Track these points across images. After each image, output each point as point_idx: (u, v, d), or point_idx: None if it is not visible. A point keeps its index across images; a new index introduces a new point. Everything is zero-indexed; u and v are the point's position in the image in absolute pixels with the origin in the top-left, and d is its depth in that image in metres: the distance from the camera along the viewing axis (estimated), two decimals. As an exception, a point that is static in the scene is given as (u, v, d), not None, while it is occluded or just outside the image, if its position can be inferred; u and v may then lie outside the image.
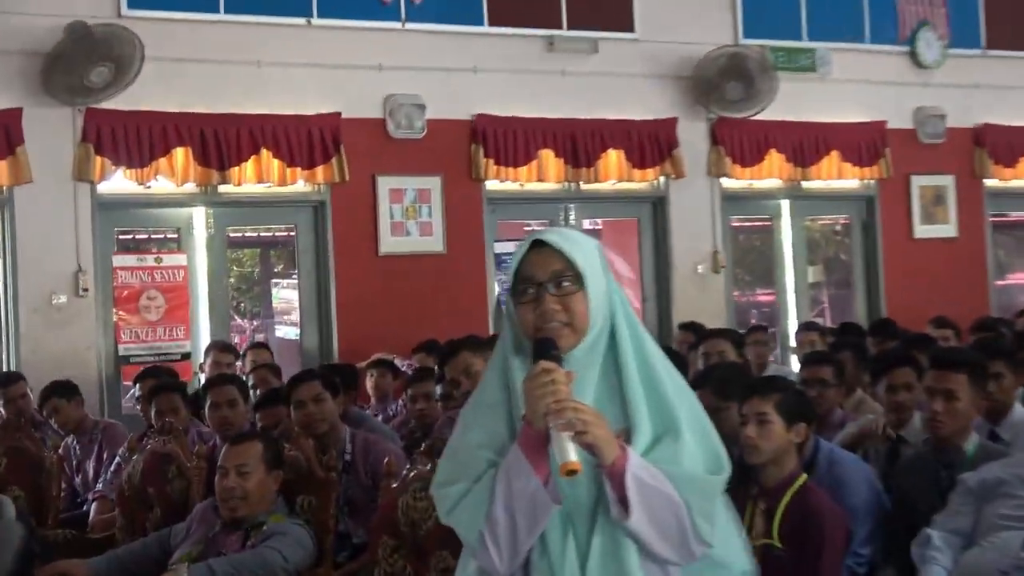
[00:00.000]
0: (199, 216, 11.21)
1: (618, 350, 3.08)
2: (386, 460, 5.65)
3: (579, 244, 3.10)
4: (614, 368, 3.09)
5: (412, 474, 5.19)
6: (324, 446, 6.72)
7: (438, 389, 7.57)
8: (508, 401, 3.09)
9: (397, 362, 10.18)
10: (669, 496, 2.94)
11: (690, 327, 10.94)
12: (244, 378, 8.96)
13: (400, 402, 9.24)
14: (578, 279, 3.04)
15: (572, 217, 12.65)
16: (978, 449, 5.34)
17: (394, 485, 5.30)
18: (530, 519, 2.96)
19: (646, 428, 3.02)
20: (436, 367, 8.17)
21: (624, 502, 2.92)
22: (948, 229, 14.49)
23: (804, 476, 4.94)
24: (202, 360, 10.45)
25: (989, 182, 14.78)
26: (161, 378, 8.69)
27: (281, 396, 7.30)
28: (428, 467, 5.10)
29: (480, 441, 3.09)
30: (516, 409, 3.05)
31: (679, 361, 6.85)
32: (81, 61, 10.02)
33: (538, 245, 3.09)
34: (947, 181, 14.48)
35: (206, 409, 7.47)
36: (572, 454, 2.84)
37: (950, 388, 5.32)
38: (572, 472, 2.83)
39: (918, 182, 14.32)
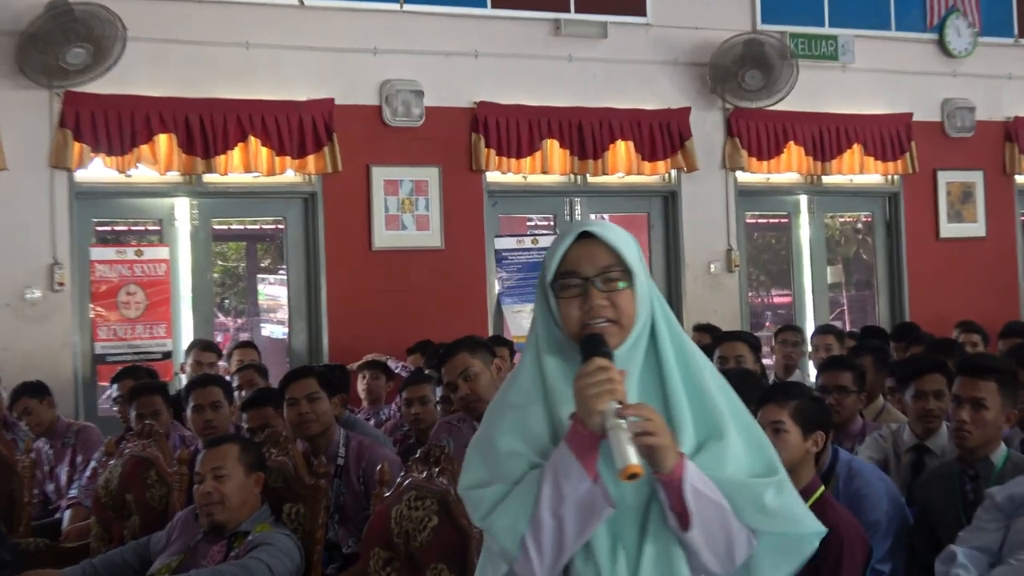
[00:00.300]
0: (182, 207, 11.21)
1: (659, 349, 3.10)
2: (379, 467, 5.65)
3: (624, 238, 3.11)
4: (656, 368, 3.10)
5: (407, 482, 5.19)
6: (316, 448, 6.73)
7: (438, 392, 7.57)
8: (544, 401, 3.09)
9: (391, 364, 10.19)
10: (721, 506, 2.97)
11: (706, 328, 10.94)
12: (229, 379, 8.98)
13: (393, 406, 9.25)
14: (626, 275, 3.06)
15: (578, 211, 12.65)
16: (1007, 461, 5.35)
17: (387, 494, 5.30)
18: (581, 523, 2.96)
19: (689, 431, 3.04)
20: (430, 369, 8.19)
21: (682, 513, 2.94)
22: (976, 228, 14.49)
23: (822, 488, 4.94)
24: (183, 360, 10.45)
25: (1021, 179, 14.80)
26: (141, 378, 8.70)
27: (271, 396, 7.30)
28: (424, 475, 5.10)
29: (513, 442, 3.08)
30: (555, 408, 3.05)
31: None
32: (58, 41, 10.02)
33: (583, 237, 3.10)
34: (976, 177, 14.48)
35: (188, 412, 7.47)
36: (635, 457, 2.84)
37: (978, 396, 5.33)
38: (634, 476, 2.83)
39: (945, 178, 14.32)
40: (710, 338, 9.83)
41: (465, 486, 3.13)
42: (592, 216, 13.01)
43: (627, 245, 3.09)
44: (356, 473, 6.58)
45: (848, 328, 15.63)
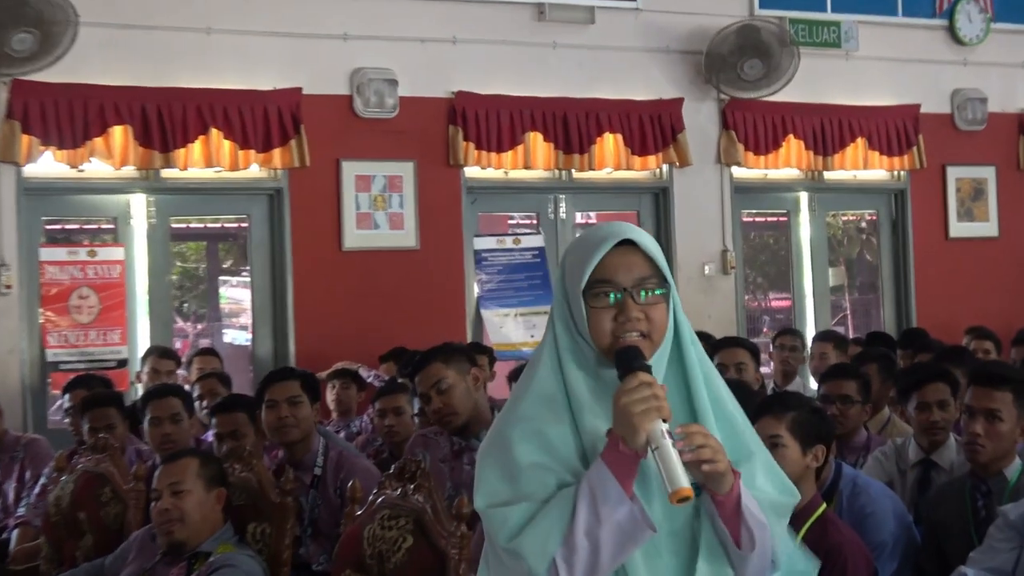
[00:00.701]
0: (138, 204, 11.18)
1: (685, 363, 3.16)
2: (351, 483, 5.66)
3: (657, 246, 3.16)
4: (682, 382, 3.16)
5: (380, 500, 5.20)
6: (294, 456, 6.74)
7: (415, 403, 7.57)
8: (570, 415, 3.11)
9: (362, 372, 10.19)
10: (765, 526, 3.06)
11: (700, 336, 10.93)
12: (188, 388, 8.98)
13: (365, 418, 9.25)
14: (663, 286, 3.10)
15: (563, 209, 12.66)
16: (1022, 476, 5.37)
17: (359, 512, 5.31)
18: (619, 547, 2.99)
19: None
20: (403, 378, 8.19)
21: (737, 534, 3.03)
22: (988, 228, 14.53)
23: (824, 506, 4.96)
24: (139, 368, 10.43)
25: (1035, 174, 14.84)
26: (94, 388, 8.69)
27: (243, 402, 7.33)
28: (398, 492, 5.11)
29: (536, 456, 3.09)
30: (584, 423, 3.09)
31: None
32: (5, 25, 9.98)
33: (620, 244, 3.12)
34: (988, 173, 14.53)
35: (145, 424, 7.47)
36: (685, 479, 2.88)
37: (992, 407, 5.36)
38: (685, 499, 2.88)
39: (955, 174, 14.36)
40: (706, 345, 9.86)
41: (486, 504, 3.12)
42: (578, 215, 13.03)
43: (661, 253, 3.14)
44: (334, 485, 6.58)
45: (852, 333, 15.69)
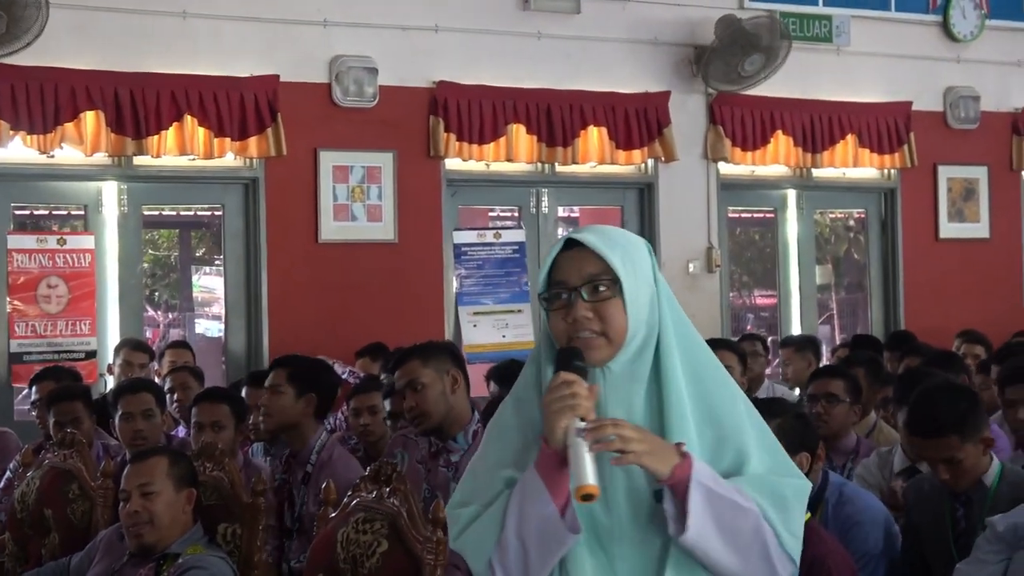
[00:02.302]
0: (110, 191, 11.16)
1: (662, 365, 3.15)
2: (324, 484, 5.65)
3: (619, 244, 3.17)
4: (658, 383, 3.16)
5: (354, 502, 5.19)
6: (295, 450, 6.76)
7: (387, 404, 7.56)
8: (540, 415, 3.13)
9: (338, 368, 10.17)
10: (744, 507, 3.04)
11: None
12: (160, 381, 8.97)
13: (340, 415, 9.24)
14: (614, 283, 3.11)
15: (545, 203, 12.66)
16: (1001, 480, 5.36)
17: (333, 514, 5.30)
18: (542, 549, 3.04)
19: (692, 451, 3.09)
20: (387, 374, 8.18)
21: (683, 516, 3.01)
22: (979, 229, 14.56)
23: (808, 515, 4.96)
24: (110, 360, 10.41)
25: (1029, 175, 14.88)
26: (62, 380, 8.67)
27: (227, 394, 7.36)
28: (373, 495, 5.10)
29: (501, 460, 3.18)
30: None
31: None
32: (-30, 9, 9.95)
33: (572, 245, 3.16)
34: (980, 173, 14.56)
35: (116, 419, 7.45)
36: (590, 477, 2.91)
37: (950, 457, 5.37)
38: (589, 497, 2.90)
39: (946, 173, 14.39)
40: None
41: (449, 505, 3.24)
42: (560, 209, 13.04)
43: (621, 252, 3.15)
44: (317, 487, 6.56)
45: (838, 333, 15.75)
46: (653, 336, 3.16)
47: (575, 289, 3.11)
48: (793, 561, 3.12)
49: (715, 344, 8.52)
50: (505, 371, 8.09)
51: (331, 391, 7.14)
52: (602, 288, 3.10)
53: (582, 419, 2.95)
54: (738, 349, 8.63)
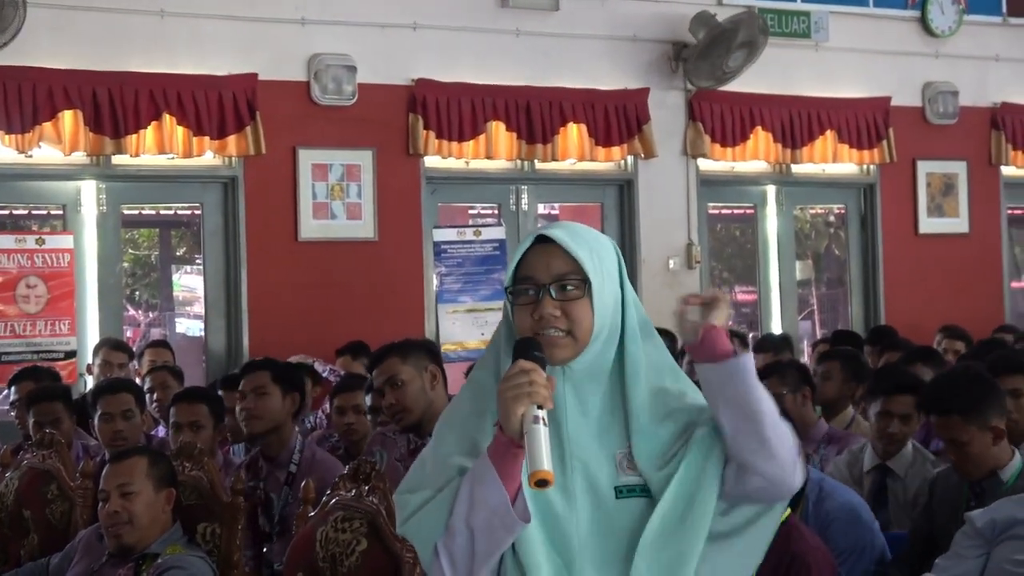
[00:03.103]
0: (89, 191, 11.13)
1: (625, 363, 3.16)
2: (303, 483, 5.64)
3: (589, 243, 3.16)
4: (621, 384, 3.16)
5: (333, 501, 5.18)
6: (270, 451, 6.73)
7: (367, 400, 7.55)
8: (494, 404, 3.12)
9: (318, 367, 10.16)
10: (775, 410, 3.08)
11: (667, 334, 10.95)
12: (139, 381, 8.95)
13: (320, 413, 9.23)
14: (584, 283, 3.11)
15: (525, 201, 12.65)
16: (1020, 475, 5.36)
17: (312, 513, 5.29)
18: (491, 537, 3.02)
19: (651, 450, 3.11)
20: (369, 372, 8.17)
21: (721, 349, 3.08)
22: (959, 224, 14.58)
23: (787, 511, 4.96)
24: (90, 360, 10.39)
25: (1007, 170, 14.90)
26: (42, 380, 8.65)
27: (205, 393, 7.35)
28: (352, 493, 5.09)
29: (454, 448, 3.16)
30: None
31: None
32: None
33: (542, 241, 3.15)
34: (959, 168, 14.58)
35: (95, 419, 7.43)
36: (546, 463, 2.90)
37: (952, 438, 5.39)
38: (543, 483, 2.89)
39: (925, 168, 14.40)
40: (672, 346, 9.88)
41: (398, 491, 3.21)
42: (540, 206, 13.03)
43: (590, 251, 3.14)
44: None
45: (819, 328, 15.78)
46: (615, 336, 3.16)
47: (544, 286, 3.10)
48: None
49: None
50: (484, 369, 8.07)
51: (304, 392, 7.16)
52: (570, 287, 3.10)
53: (539, 406, 2.94)
54: None
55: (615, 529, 3.10)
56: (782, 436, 3.06)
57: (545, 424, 2.93)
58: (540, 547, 3.08)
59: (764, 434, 3.03)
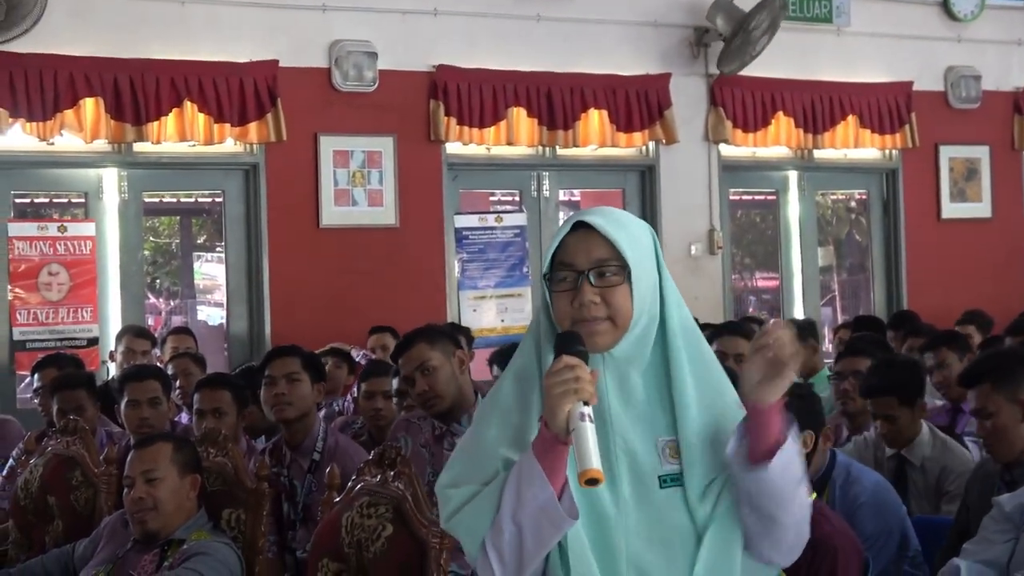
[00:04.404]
0: (110, 178, 11.15)
1: (668, 350, 3.15)
2: (328, 469, 5.63)
3: (627, 229, 3.14)
4: (664, 371, 3.15)
5: (358, 487, 5.17)
6: (293, 438, 6.73)
7: (394, 383, 7.53)
8: (539, 396, 3.11)
9: (354, 353, 10.16)
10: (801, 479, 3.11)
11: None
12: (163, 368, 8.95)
13: (348, 398, 9.23)
14: (623, 269, 3.09)
15: (546, 187, 12.65)
16: None
17: (337, 499, 5.29)
18: (538, 534, 3.01)
19: (696, 438, 3.11)
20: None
21: (766, 449, 3.05)
22: (982, 208, 14.56)
23: (813, 495, 4.95)
24: (112, 347, 10.40)
25: (1030, 154, 14.86)
26: (65, 368, 8.65)
27: (228, 380, 7.36)
28: (377, 479, 5.09)
29: (498, 439, 3.15)
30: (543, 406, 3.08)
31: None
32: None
33: (581, 227, 3.13)
34: (981, 153, 14.55)
35: (122, 406, 7.43)
36: (595, 461, 2.88)
37: (980, 407, 5.37)
38: (593, 481, 2.88)
39: (948, 153, 14.38)
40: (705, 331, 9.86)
41: (440, 484, 3.19)
42: (561, 192, 13.01)
43: (629, 237, 3.12)
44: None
45: (840, 315, 15.73)
46: (655, 322, 3.14)
47: (583, 273, 3.08)
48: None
49: (729, 329, 8.50)
50: (508, 356, 8.07)
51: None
52: (609, 273, 3.08)
53: (585, 403, 2.92)
54: (745, 332, 8.57)
55: (662, 529, 3.09)
56: (800, 539, 3.16)
57: (591, 420, 2.91)
58: (585, 543, 3.06)
59: (784, 542, 3.16)
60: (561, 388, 2.93)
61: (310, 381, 6.83)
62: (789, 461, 3.05)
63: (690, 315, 3.22)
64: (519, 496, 2.99)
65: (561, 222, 3.28)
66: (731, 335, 8.20)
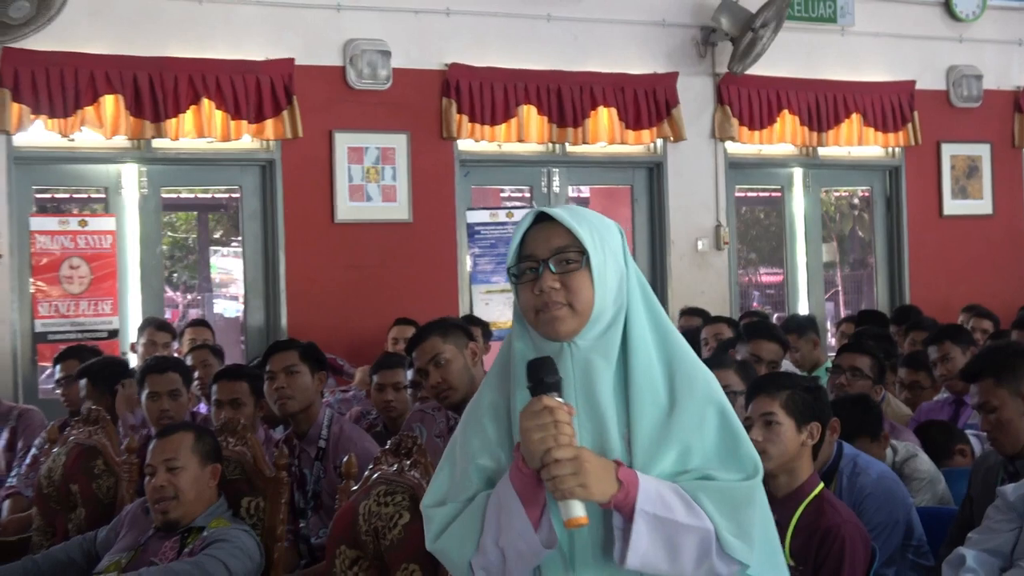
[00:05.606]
0: (130, 174, 11.15)
1: (630, 343, 3.14)
2: (345, 458, 5.64)
3: (588, 221, 3.15)
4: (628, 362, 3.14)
5: (375, 475, 5.18)
6: (299, 429, 6.74)
7: (408, 375, 7.55)
8: (509, 402, 3.14)
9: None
10: (687, 526, 3.03)
11: (697, 313, 10.99)
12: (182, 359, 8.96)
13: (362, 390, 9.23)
14: (581, 255, 3.10)
15: (556, 183, 12.64)
16: None
17: (354, 487, 5.30)
18: (518, 561, 3.07)
19: (647, 432, 3.10)
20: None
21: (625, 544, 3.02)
22: (983, 205, 14.54)
23: (820, 486, 4.96)
24: (132, 338, 10.42)
25: (1030, 152, 14.84)
26: (86, 359, 8.65)
27: (245, 371, 7.34)
28: (394, 468, 5.10)
29: (477, 448, 3.18)
30: (513, 402, 3.13)
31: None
32: (1, -7, 9.91)
33: (542, 220, 3.15)
34: (982, 150, 14.53)
35: (143, 397, 7.44)
36: (579, 508, 2.95)
37: (983, 401, 5.37)
38: (579, 525, 2.96)
39: (949, 151, 14.36)
40: (700, 324, 9.87)
41: (424, 504, 3.25)
42: (570, 189, 13.02)
43: (589, 227, 3.13)
44: (335, 461, 6.55)
45: (843, 309, 15.75)
46: (621, 315, 3.15)
47: (543, 261, 3.10)
48: (740, 562, 3.09)
49: (758, 332, 8.38)
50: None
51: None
52: (568, 260, 3.10)
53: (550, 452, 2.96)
54: (780, 337, 8.51)
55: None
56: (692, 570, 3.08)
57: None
58: (558, 568, 3.12)
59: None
60: (539, 434, 2.96)
61: (310, 372, 6.84)
62: (645, 557, 3.04)
63: (662, 311, 3.23)
64: (499, 524, 3.05)
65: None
66: (762, 340, 8.11)
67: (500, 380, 3.22)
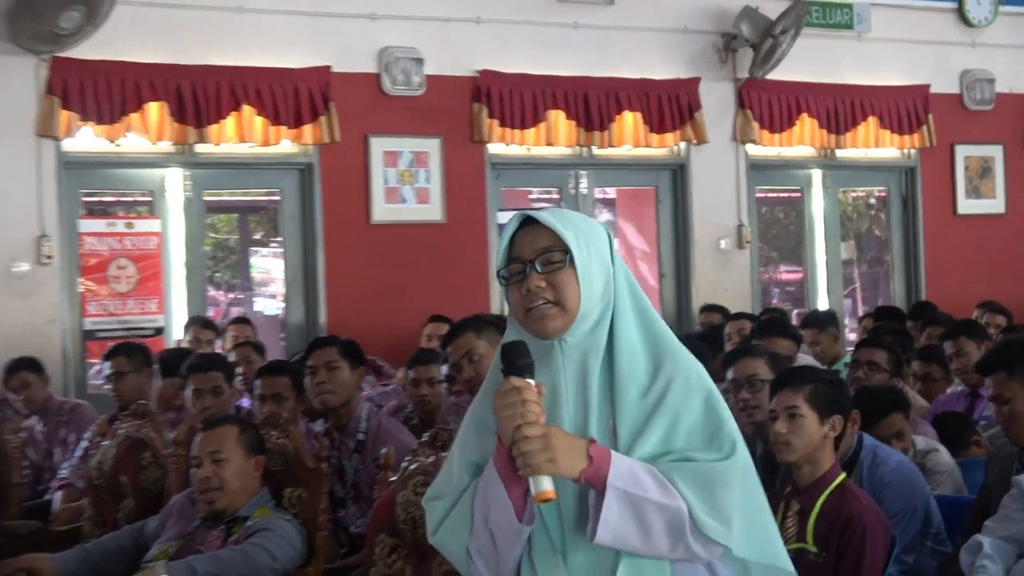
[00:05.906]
0: (174, 178, 11.20)
1: (616, 338, 3.15)
2: (384, 450, 5.65)
3: (573, 222, 3.17)
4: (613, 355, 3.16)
5: (413, 467, 5.19)
6: (339, 422, 6.75)
7: (443, 369, 7.56)
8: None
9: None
10: (660, 504, 3.01)
11: (717, 310, 10.98)
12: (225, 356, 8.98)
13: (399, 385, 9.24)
14: (566, 254, 3.11)
15: (583, 185, 12.65)
16: None
17: (393, 478, 5.31)
18: (504, 539, 3.09)
19: (629, 425, 3.11)
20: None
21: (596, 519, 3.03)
22: (995, 204, 14.51)
23: (843, 475, 4.96)
24: (178, 336, 10.46)
25: (1042, 153, 14.79)
26: (133, 356, 8.67)
27: (287, 366, 7.36)
28: (431, 459, 5.11)
29: (473, 447, 3.22)
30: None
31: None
32: (51, 4, 9.93)
33: (528, 223, 3.17)
34: (995, 152, 14.51)
35: (187, 393, 7.47)
36: (546, 482, 2.97)
37: (996, 394, 5.36)
38: (547, 500, 2.97)
39: (963, 152, 14.35)
40: (721, 320, 9.86)
41: (426, 497, 3.28)
42: (597, 191, 13.02)
43: (574, 228, 3.14)
44: (373, 453, 6.56)
45: (861, 306, 15.70)
46: (609, 312, 3.16)
47: (530, 262, 3.12)
48: (716, 542, 3.06)
49: (772, 329, 8.30)
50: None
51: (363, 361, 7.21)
52: (553, 260, 3.11)
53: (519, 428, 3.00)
54: (793, 333, 8.44)
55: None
56: (668, 549, 3.06)
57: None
58: (546, 547, 3.13)
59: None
60: (508, 411, 2.99)
61: (349, 367, 6.86)
62: (616, 531, 3.03)
63: (651, 307, 3.23)
64: (486, 505, 3.08)
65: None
66: (774, 336, 8.01)
67: (494, 379, 3.22)
